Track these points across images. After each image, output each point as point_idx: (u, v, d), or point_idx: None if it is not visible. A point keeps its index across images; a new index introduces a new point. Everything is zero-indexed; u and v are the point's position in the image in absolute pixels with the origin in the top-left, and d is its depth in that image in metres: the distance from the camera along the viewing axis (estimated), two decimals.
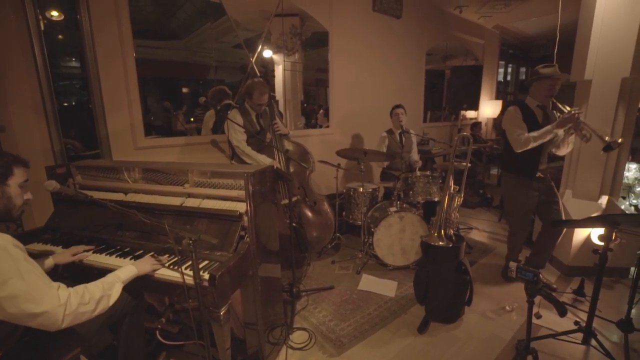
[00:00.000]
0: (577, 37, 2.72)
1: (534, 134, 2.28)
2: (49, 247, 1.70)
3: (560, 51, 2.87)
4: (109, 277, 1.29)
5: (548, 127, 2.25)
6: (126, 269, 1.36)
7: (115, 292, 1.26)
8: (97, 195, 1.78)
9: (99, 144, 2.35)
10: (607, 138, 1.95)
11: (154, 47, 2.59)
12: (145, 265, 1.44)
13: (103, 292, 1.21)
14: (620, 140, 1.97)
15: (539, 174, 2.46)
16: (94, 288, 1.20)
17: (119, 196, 1.85)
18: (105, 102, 2.30)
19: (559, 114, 2.31)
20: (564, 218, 2.58)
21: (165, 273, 1.47)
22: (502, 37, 6.68)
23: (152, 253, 1.58)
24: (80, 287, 1.17)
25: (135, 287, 1.49)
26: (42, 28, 2.05)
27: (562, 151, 2.43)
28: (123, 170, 1.89)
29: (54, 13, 2.18)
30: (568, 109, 2.21)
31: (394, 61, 4.44)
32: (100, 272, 1.47)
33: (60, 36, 2.30)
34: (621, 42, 2.45)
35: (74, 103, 2.48)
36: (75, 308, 1.10)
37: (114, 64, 2.31)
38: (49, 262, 1.49)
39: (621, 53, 2.46)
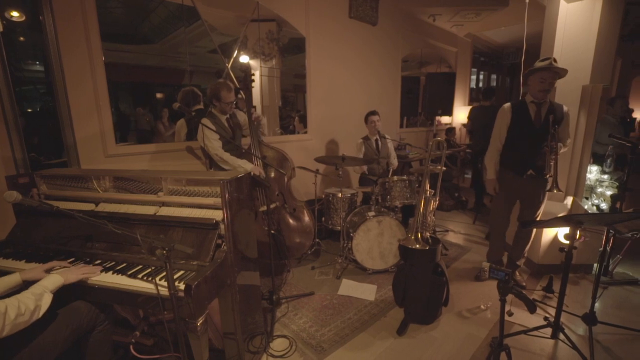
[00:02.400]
0: (542, 47, 2.88)
1: (488, 166, 2.65)
2: (10, 262, 1.60)
3: (527, 59, 3.01)
4: (37, 288, 1.28)
5: (488, 177, 2.65)
6: (52, 279, 1.35)
7: (45, 303, 1.27)
8: (64, 205, 1.69)
9: (65, 152, 2.24)
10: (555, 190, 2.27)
11: (126, 51, 2.51)
12: (71, 274, 1.42)
13: (36, 303, 1.22)
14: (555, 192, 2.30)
15: (530, 172, 2.47)
16: (27, 300, 1.20)
17: (89, 206, 1.77)
18: (72, 108, 2.19)
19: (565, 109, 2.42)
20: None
21: (139, 285, 1.42)
22: (473, 45, 6.95)
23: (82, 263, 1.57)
24: (13, 299, 1.17)
25: (103, 300, 1.43)
26: (1, 29, 1.94)
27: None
28: (92, 179, 1.81)
29: (14, 13, 2.07)
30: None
31: (371, 67, 4.52)
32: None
33: (21, 38, 2.18)
34: (581, 52, 2.62)
35: (38, 109, 2.35)
36: (13, 319, 1.13)
37: (81, 67, 2.21)
38: (15, 279, 1.39)
39: (581, 62, 2.63)
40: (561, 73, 2.32)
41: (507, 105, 2.53)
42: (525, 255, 2.79)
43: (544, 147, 2.36)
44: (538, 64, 2.33)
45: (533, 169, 2.47)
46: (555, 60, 2.29)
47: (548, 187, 2.41)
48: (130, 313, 2.04)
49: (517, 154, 2.49)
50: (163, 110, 2.75)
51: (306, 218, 2.95)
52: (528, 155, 2.45)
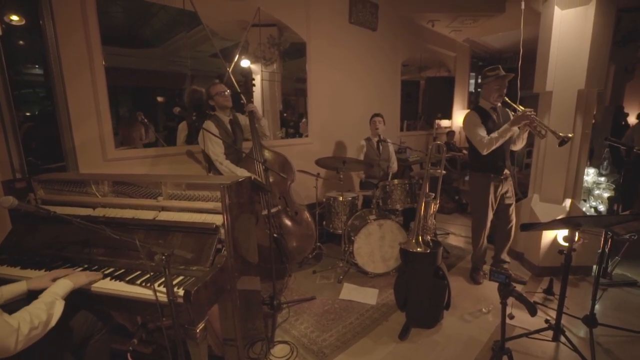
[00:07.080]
0: (538, 52, 2.91)
1: (495, 134, 2.44)
2: (5, 269, 1.57)
3: (524, 64, 3.04)
4: (47, 297, 1.24)
5: (505, 126, 2.41)
6: (62, 284, 1.32)
7: (57, 311, 1.23)
8: (62, 210, 1.68)
9: (64, 156, 2.23)
10: (561, 134, 2.19)
11: (127, 55, 2.51)
12: (79, 277, 1.40)
13: (48, 313, 1.19)
14: (570, 135, 2.24)
15: (506, 171, 2.62)
16: (39, 311, 1.16)
17: (87, 211, 1.75)
18: (71, 112, 2.18)
19: (512, 113, 2.51)
20: (514, 219, 2.79)
21: (137, 291, 1.40)
22: (472, 50, 7.01)
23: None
24: (24, 313, 1.13)
25: (101, 307, 1.41)
26: (0, 33, 1.93)
27: (517, 146, 2.63)
28: (91, 183, 1.79)
29: (14, 17, 2.07)
30: (521, 108, 2.38)
31: (371, 72, 4.54)
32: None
33: (21, 42, 2.18)
34: (576, 57, 2.65)
35: (37, 112, 2.34)
36: (27, 333, 1.09)
37: (81, 71, 2.21)
38: (21, 287, 1.35)
39: (576, 67, 2.66)
40: (509, 78, 2.54)
41: (473, 111, 2.63)
42: (508, 248, 2.86)
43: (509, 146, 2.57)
44: (490, 73, 2.51)
45: (507, 169, 2.63)
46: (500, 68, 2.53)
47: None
48: (128, 320, 2.01)
49: (494, 156, 2.57)
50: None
51: (308, 222, 2.94)
52: (501, 156, 2.59)
